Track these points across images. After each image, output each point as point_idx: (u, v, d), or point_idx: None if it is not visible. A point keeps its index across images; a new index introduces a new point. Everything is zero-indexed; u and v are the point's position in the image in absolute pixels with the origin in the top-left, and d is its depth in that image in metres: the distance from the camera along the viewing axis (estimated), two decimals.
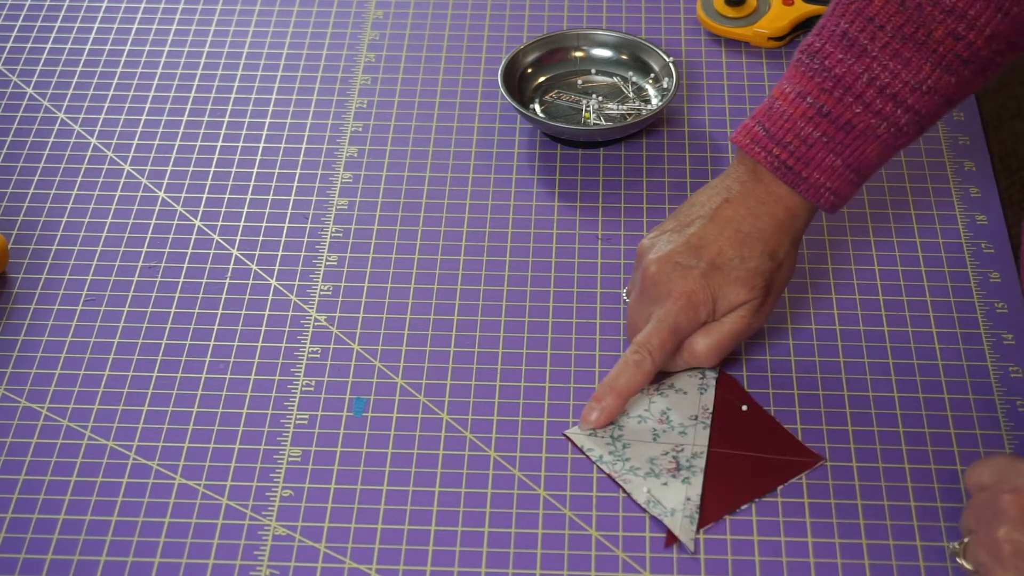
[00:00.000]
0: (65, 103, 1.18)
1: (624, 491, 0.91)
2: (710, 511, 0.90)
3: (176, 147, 1.14)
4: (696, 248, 0.94)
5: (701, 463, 0.92)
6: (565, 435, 0.94)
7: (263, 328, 1.01)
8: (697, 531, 0.89)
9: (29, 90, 1.19)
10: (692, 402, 0.96)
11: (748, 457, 0.93)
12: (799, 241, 0.97)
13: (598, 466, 0.92)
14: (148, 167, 1.13)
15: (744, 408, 0.96)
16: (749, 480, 0.92)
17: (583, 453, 0.93)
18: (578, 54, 1.18)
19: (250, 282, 1.04)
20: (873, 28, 0.91)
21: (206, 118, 1.16)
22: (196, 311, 1.02)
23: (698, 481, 0.91)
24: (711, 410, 0.95)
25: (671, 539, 0.89)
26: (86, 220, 1.09)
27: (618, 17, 1.24)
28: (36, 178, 1.12)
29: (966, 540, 0.84)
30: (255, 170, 1.12)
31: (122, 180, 1.12)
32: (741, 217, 0.94)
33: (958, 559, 0.85)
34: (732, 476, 0.92)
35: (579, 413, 0.95)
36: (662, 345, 0.93)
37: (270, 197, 1.10)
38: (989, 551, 0.81)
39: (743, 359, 0.99)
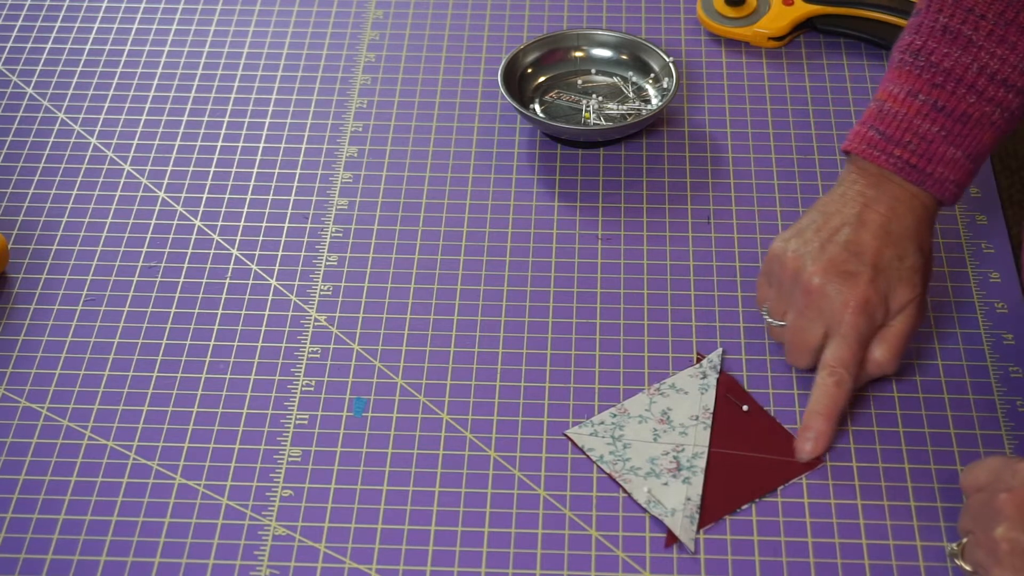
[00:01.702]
0: (65, 103, 1.18)
1: (624, 491, 0.91)
2: (710, 511, 0.90)
3: (176, 147, 1.14)
4: (856, 254, 0.93)
5: (702, 463, 0.92)
6: (566, 435, 0.95)
7: (263, 328, 1.01)
8: (697, 531, 0.89)
9: (29, 90, 1.19)
10: (693, 402, 0.96)
11: (748, 457, 0.93)
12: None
13: (599, 466, 0.93)
14: (148, 167, 1.13)
15: (745, 408, 0.96)
16: (749, 480, 0.92)
17: (584, 453, 0.93)
18: (578, 54, 1.18)
19: (250, 282, 1.04)
20: (975, 18, 0.92)
21: (206, 118, 1.16)
22: (196, 311, 1.02)
23: (698, 481, 0.91)
24: (712, 410, 0.95)
25: (671, 539, 0.89)
26: (86, 220, 1.09)
27: (618, 17, 1.24)
28: (36, 178, 1.12)
29: (964, 541, 0.85)
30: (255, 170, 1.12)
31: (122, 180, 1.12)
32: (887, 219, 0.94)
33: (956, 560, 0.85)
34: (733, 476, 0.92)
35: (579, 413, 0.96)
36: (855, 358, 0.93)
37: (270, 197, 1.10)
38: (987, 551, 0.81)
39: (743, 359, 0.99)
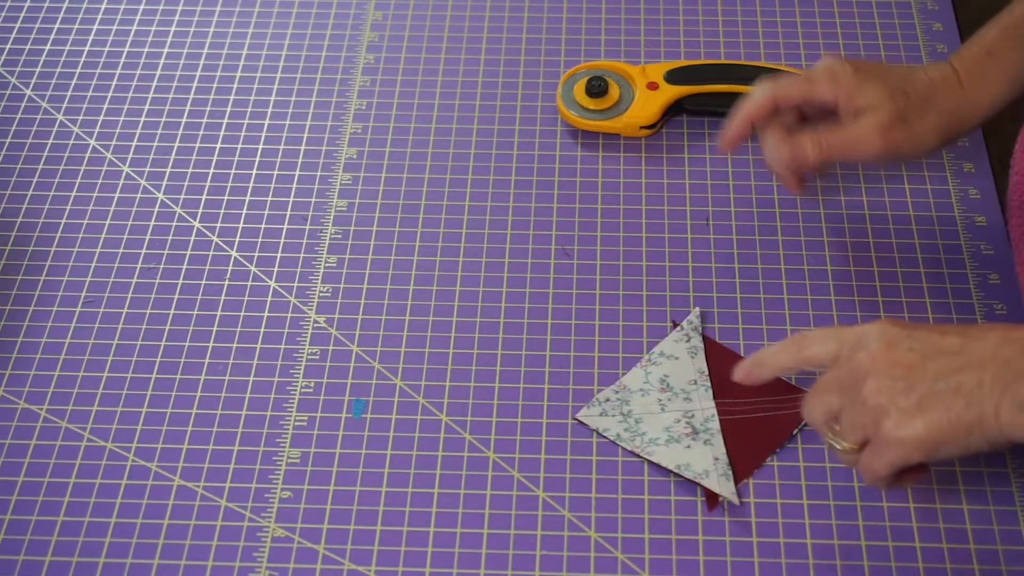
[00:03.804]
0: (64, 104, 1.18)
1: (651, 463, 0.92)
2: (740, 469, 0.92)
3: (175, 148, 1.14)
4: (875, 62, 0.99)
5: (715, 424, 0.94)
6: (576, 419, 0.95)
7: (262, 329, 1.01)
8: (736, 485, 0.91)
9: (28, 91, 1.19)
10: (686, 367, 0.97)
11: (756, 410, 0.94)
12: (943, 117, 0.98)
13: (619, 445, 0.93)
14: (147, 168, 1.13)
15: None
16: (765, 433, 0.93)
17: (601, 435, 0.94)
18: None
19: (249, 283, 1.04)
20: None
21: (205, 119, 1.16)
22: (195, 312, 1.02)
23: (719, 441, 0.93)
24: (707, 372, 0.97)
25: (713, 499, 0.90)
26: (85, 221, 1.09)
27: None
28: (35, 179, 1.12)
29: (837, 428, 0.84)
30: (254, 171, 1.12)
31: (121, 181, 1.12)
32: (919, 67, 0.99)
33: (837, 445, 0.84)
34: (747, 437, 0.93)
35: (579, 414, 0.96)
36: (791, 83, 0.98)
37: (269, 199, 1.10)
38: (867, 410, 0.81)
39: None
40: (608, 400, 0.96)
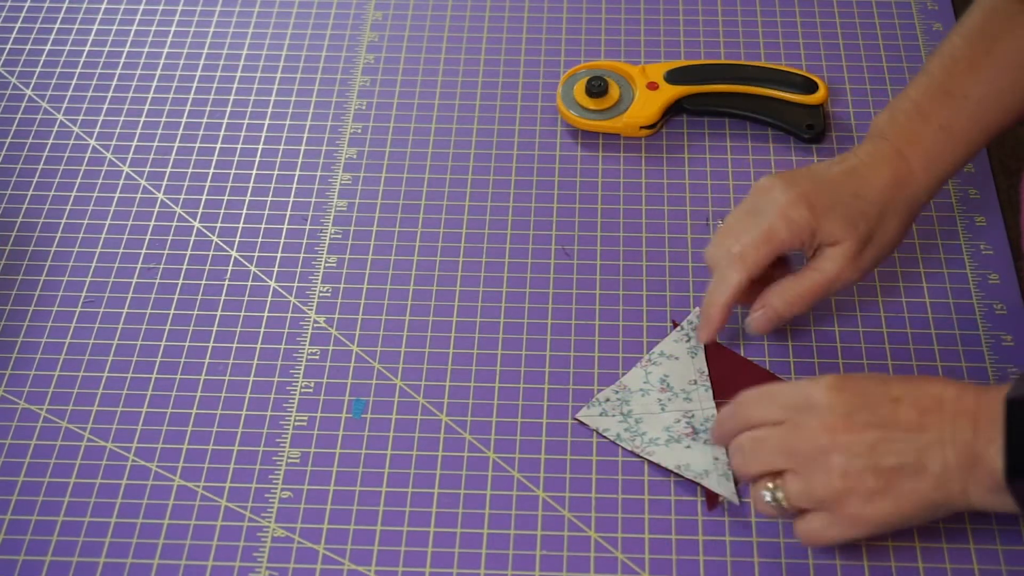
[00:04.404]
0: (64, 104, 1.18)
1: (651, 463, 0.92)
2: None
3: (175, 148, 1.14)
4: (810, 171, 0.94)
5: None
6: (576, 419, 0.95)
7: (262, 329, 1.01)
8: (736, 485, 0.91)
9: (28, 91, 1.19)
10: (686, 366, 0.97)
11: None
12: (913, 215, 0.96)
13: (619, 445, 0.93)
14: (147, 168, 1.13)
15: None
16: None
17: (601, 435, 0.94)
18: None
19: (249, 283, 1.04)
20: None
21: (205, 119, 1.16)
22: (195, 312, 1.02)
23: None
24: (707, 372, 0.97)
25: (713, 499, 0.90)
26: (85, 221, 1.09)
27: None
28: (35, 179, 1.12)
29: (772, 485, 0.84)
30: (254, 171, 1.12)
31: (121, 182, 1.12)
32: (862, 163, 0.95)
33: (773, 501, 0.84)
34: None
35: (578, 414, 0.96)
36: (756, 249, 0.93)
37: (269, 199, 1.10)
38: (829, 487, 0.81)
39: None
40: (608, 400, 0.96)
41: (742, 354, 0.99)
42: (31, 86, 1.20)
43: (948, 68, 0.94)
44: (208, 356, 1.00)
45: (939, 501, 0.82)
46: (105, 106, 1.18)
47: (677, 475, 0.91)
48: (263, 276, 1.05)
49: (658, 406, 0.95)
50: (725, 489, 0.90)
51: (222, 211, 1.09)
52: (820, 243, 0.93)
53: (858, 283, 0.97)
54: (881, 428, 0.81)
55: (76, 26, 1.25)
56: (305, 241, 1.07)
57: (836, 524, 0.83)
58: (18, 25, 1.25)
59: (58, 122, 1.16)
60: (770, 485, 0.84)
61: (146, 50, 1.23)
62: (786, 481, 0.83)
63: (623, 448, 0.94)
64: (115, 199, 1.10)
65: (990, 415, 0.80)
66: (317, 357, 1.00)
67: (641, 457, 0.93)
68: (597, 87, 1.13)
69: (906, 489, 0.81)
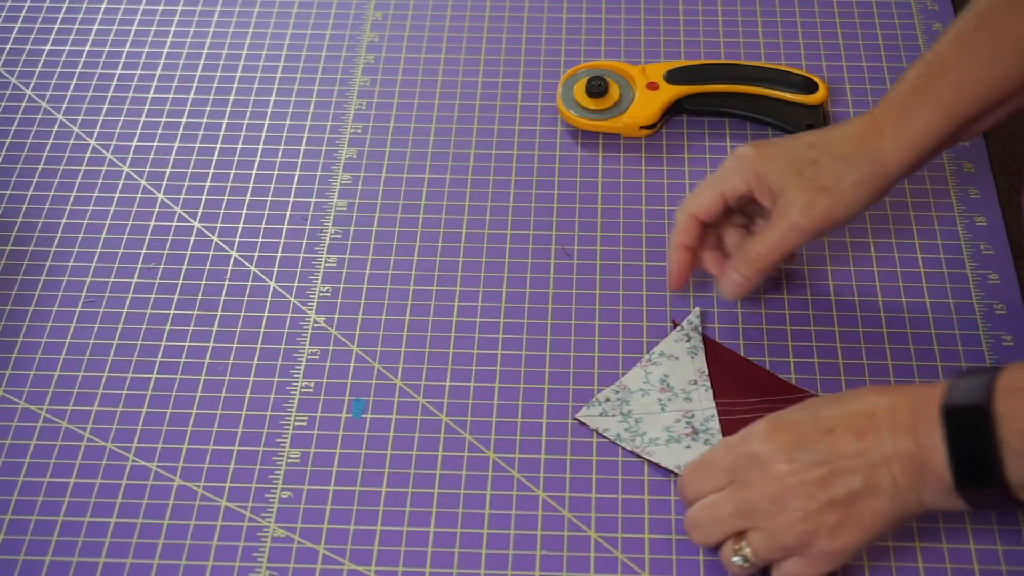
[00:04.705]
0: (64, 104, 1.18)
1: (651, 463, 0.92)
2: None
3: (175, 148, 1.14)
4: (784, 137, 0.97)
5: (715, 424, 0.94)
6: (576, 419, 0.95)
7: (262, 329, 1.01)
8: None
9: (28, 91, 1.19)
10: (686, 366, 0.97)
11: (755, 410, 0.94)
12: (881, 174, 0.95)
13: (619, 445, 0.93)
14: (147, 168, 1.13)
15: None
16: None
17: (601, 435, 0.94)
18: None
19: (249, 283, 1.04)
20: None
21: (205, 120, 1.16)
22: (195, 313, 1.02)
23: (719, 441, 0.92)
24: (707, 372, 0.97)
25: None
26: (85, 221, 1.09)
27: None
28: (35, 179, 1.12)
29: (737, 546, 0.84)
30: (254, 171, 1.12)
31: (121, 182, 1.12)
32: (833, 125, 0.97)
33: (745, 562, 0.84)
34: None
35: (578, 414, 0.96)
36: (702, 191, 0.96)
37: (269, 199, 1.10)
38: (793, 534, 0.82)
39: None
40: (608, 400, 0.96)
41: (742, 354, 0.99)
42: (31, 86, 1.20)
43: (934, 45, 0.95)
44: (208, 356, 1.00)
45: (901, 512, 0.82)
46: (105, 106, 1.18)
47: (677, 475, 0.91)
48: (263, 276, 1.05)
49: (658, 406, 0.95)
50: None
51: (222, 211, 1.09)
52: (771, 190, 0.94)
53: (820, 236, 0.95)
54: (825, 463, 0.82)
55: (76, 26, 1.25)
56: (305, 241, 1.07)
57: (812, 564, 0.83)
58: (18, 25, 1.25)
59: (58, 122, 1.16)
60: (736, 547, 0.84)
61: (146, 50, 1.23)
62: (750, 539, 0.84)
63: (623, 448, 0.94)
64: (115, 199, 1.10)
65: (927, 424, 0.80)
66: (317, 357, 1.00)
67: (641, 457, 0.93)
68: (597, 87, 1.13)
69: (866, 513, 0.82)
